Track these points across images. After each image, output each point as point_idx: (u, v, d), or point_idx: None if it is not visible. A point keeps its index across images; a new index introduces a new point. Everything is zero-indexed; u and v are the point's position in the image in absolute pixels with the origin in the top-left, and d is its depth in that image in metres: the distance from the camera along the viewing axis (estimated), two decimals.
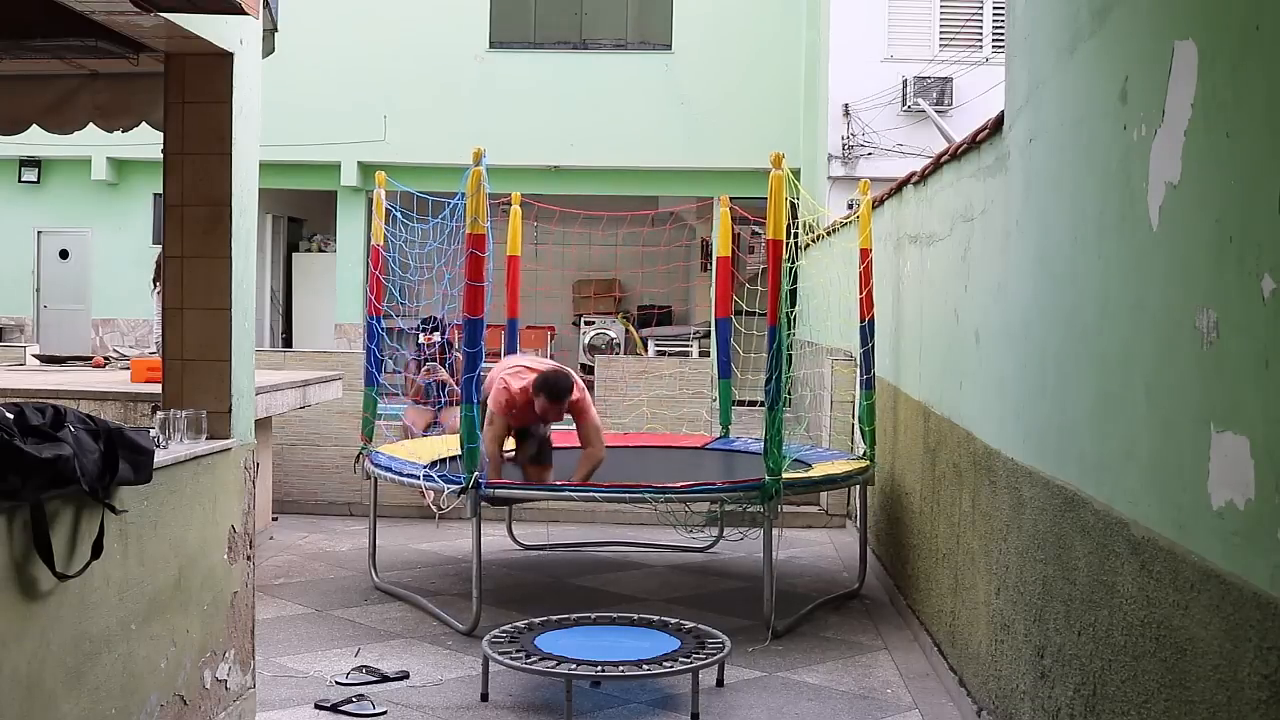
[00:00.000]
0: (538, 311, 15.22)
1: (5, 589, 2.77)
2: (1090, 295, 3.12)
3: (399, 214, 7.23)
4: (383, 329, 7.10)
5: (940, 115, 12.45)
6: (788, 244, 5.95)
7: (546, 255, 13.95)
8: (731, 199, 8.34)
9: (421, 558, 7.45)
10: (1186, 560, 2.40)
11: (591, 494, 6.03)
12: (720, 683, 4.99)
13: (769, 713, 4.73)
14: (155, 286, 9.49)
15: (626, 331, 16.62)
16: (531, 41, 15.61)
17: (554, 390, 6.22)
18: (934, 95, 12.62)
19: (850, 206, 10.75)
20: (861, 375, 6.74)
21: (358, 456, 6.89)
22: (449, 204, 6.73)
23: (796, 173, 13.94)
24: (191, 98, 4.12)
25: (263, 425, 6.66)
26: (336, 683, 4.97)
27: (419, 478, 6.03)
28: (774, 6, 15.22)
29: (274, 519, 8.26)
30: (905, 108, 12.79)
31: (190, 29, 3.79)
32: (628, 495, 5.98)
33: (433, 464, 6.64)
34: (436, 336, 8.99)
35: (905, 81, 12.72)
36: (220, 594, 4.02)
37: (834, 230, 9.65)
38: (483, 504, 5.73)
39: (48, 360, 9.23)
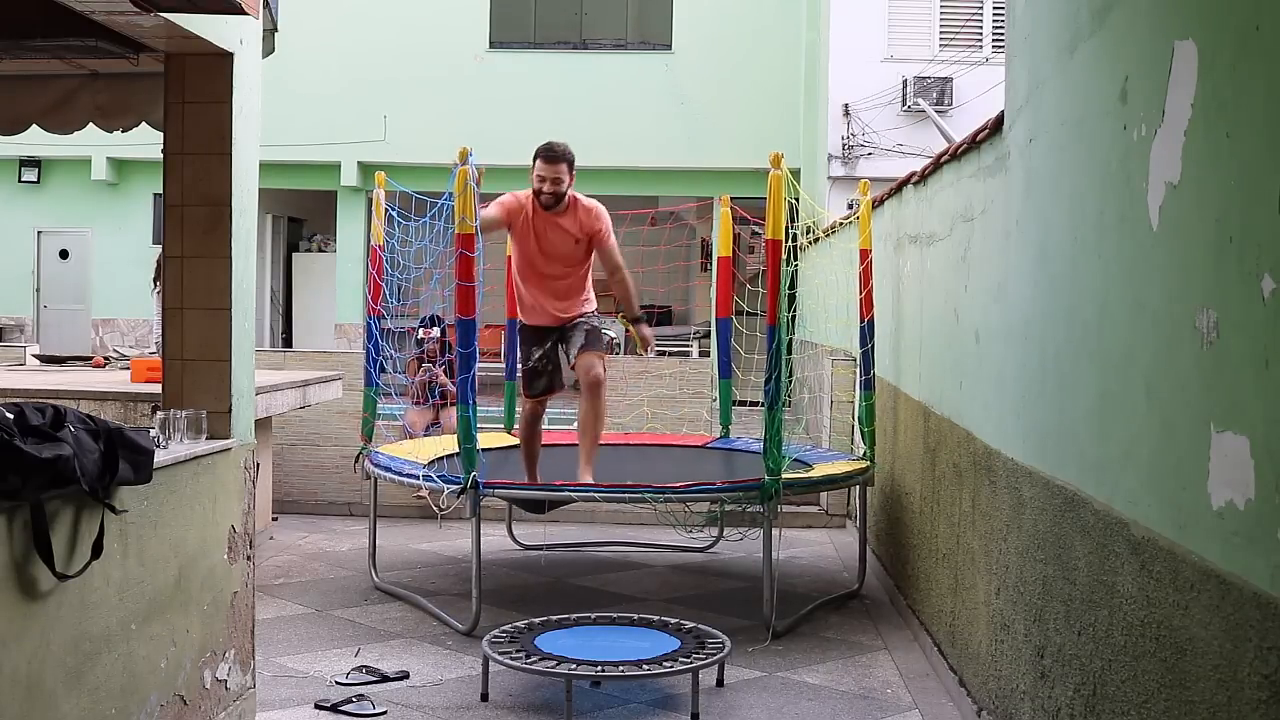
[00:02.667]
0: None
1: (5, 589, 2.77)
2: (1090, 295, 3.12)
3: (397, 214, 7.23)
4: (379, 330, 7.09)
5: (940, 115, 12.46)
6: (786, 245, 5.95)
7: None
8: (731, 199, 8.35)
9: (421, 558, 7.45)
10: (1186, 560, 2.40)
11: (591, 494, 6.03)
12: (720, 683, 4.99)
13: (769, 713, 4.73)
14: (155, 286, 9.50)
15: (626, 331, 16.60)
16: (531, 41, 15.62)
17: (550, 150, 5.98)
18: (934, 95, 12.63)
19: (850, 206, 10.75)
20: (861, 375, 6.74)
21: (357, 456, 6.89)
22: (436, 203, 6.73)
23: (796, 173, 13.94)
24: (191, 98, 4.12)
25: (263, 425, 6.67)
26: (336, 683, 4.97)
27: (419, 478, 6.03)
28: (774, 7, 15.23)
29: (274, 519, 8.26)
30: (905, 108, 12.79)
31: (190, 29, 3.79)
32: (628, 495, 5.97)
33: (431, 463, 6.64)
34: (435, 331, 8.98)
35: (905, 81, 12.73)
36: (220, 594, 4.02)
37: (834, 230, 9.66)
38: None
39: (48, 360, 9.23)
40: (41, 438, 2.87)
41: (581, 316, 6.32)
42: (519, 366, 6.47)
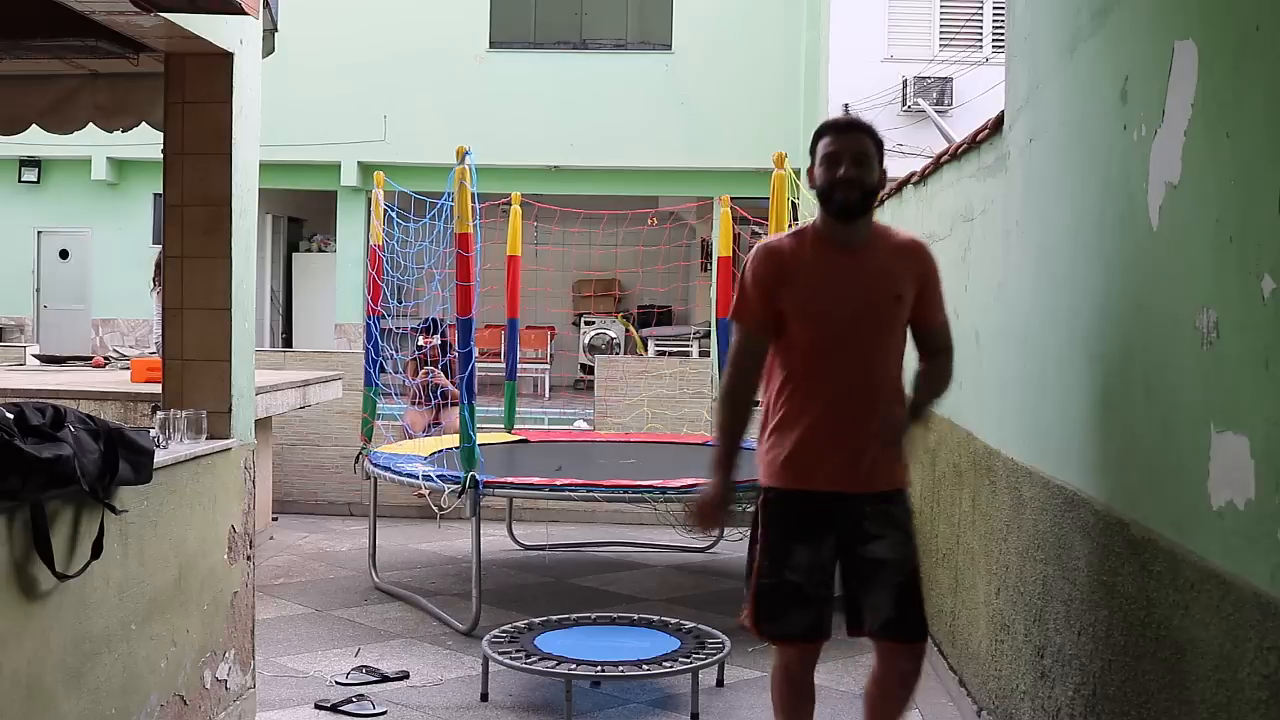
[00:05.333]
0: (538, 311, 15.23)
1: (5, 589, 2.77)
2: (1090, 295, 3.12)
3: (395, 215, 7.23)
4: (378, 330, 7.10)
5: (940, 115, 12.46)
6: None
7: (546, 255, 13.96)
8: (731, 199, 8.35)
9: (421, 558, 7.45)
10: (1186, 560, 2.40)
11: (591, 494, 6.03)
12: (720, 683, 4.99)
13: (769, 713, 4.73)
14: (155, 286, 9.50)
15: (626, 331, 16.63)
16: (531, 41, 15.63)
17: (840, 119, 3.38)
18: (934, 95, 12.62)
19: None
20: None
21: (357, 457, 6.89)
22: (437, 204, 6.73)
23: (796, 173, 13.95)
24: (191, 98, 4.12)
25: (263, 425, 6.66)
26: (336, 683, 4.97)
27: (419, 476, 6.03)
28: (774, 6, 15.23)
29: (274, 519, 8.26)
30: (905, 108, 12.79)
31: (190, 29, 3.80)
32: (628, 495, 5.97)
33: (432, 454, 6.64)
34: (436, 339, 8.99)
35: (905, 81, 12.73)
36: (220, 594, 4.02)
37: None
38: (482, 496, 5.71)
39: (48, 360, 9.23)
40: (41, 438, 2.86)
41: (899, 500, 3.32)
42: (756, 577, 3.38)
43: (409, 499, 8.25)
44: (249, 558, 4.27)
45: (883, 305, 3.22)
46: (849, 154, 3.17)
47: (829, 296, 3.19)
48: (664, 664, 4.62)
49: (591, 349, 16.07)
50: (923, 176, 5.90)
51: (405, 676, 5.07)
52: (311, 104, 14.84)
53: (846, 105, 12.96)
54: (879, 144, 3.22)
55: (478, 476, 5.69)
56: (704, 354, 14.84)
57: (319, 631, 5.79)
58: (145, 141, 5.09)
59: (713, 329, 11.32)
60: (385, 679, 5.01)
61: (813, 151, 3.28)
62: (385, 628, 5.87)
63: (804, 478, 3.23)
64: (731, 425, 3.32)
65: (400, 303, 7.96)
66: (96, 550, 3.07)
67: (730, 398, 3.31)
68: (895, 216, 6.79)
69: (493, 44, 15.54)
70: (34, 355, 9.60)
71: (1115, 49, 2.96)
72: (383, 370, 7.26)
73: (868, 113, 12.83)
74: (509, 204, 8.15)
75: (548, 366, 16.08)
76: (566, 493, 6.01)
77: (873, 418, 3.15)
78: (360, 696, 4.75)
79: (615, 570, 7.24)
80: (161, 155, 4.16)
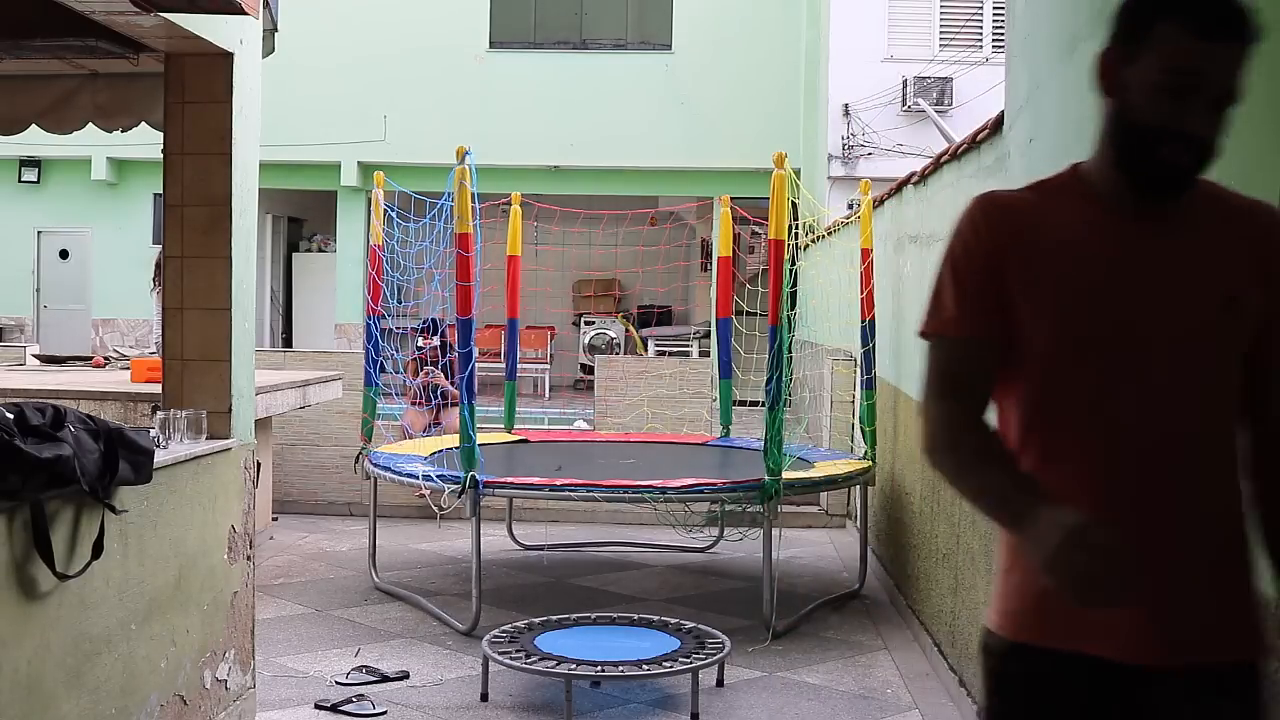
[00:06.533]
0: (538, 311, 15.23)
1: (5, 589, 2.77)
2: None
3: (395, 215, 7.23)
4: (379, 330, 7.10)
5: (940, 115, 12.46)
6: (789, 244, 5.95)
7: (546, 255, 13.96)
8: (731, 199, 8.35)
9: (421, 558, 7.45)
10: None
11: (591, 494, 6.03)
12: (720, 683, 4.99)
13: (769, 713, 4.73)
14: (155, 286, 9.50)
15: (626, 331, 16.63)
16: (531, 41, 15.63)
17: (1207, 11, 1.64)
18: (934, 95, 12.62)
19: (850, 206, 10.76)
20: (862, 375, 6.74)
21: (357, 457, 6.89)
22: (437, 204, 6.73)
23: (796, 173, 13.94)
24: (191, 98, 4.12)
25: (263, 425, 6.66)
26: (336, 683, 4.97)
27: (419, 476, 6.03)
28: (774, 6, 15.23)
29: (274, 519, 8.26)
30: (905, 108, 12.79)
31: (190, 29, 3.80)
32: (628, 495, 5.97)
33: (433, 454, 6.64)
34: (436, 340, 8.99)
35: (905, 81, 12.73)
36: (220, 594, 4.02)
37: (834, 230, 9.66)
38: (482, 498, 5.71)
39: (48, 360, 9.23)
40: (41, 438, 2.87)
41: (1252, 687, 1.71)
42: None
43: (409, 499, 8.25)
44: (249, 558, 4.27)
45: (1205, 315, 1.73)
46: (1217, 84, 1.71)
47: (1112, 298, 1.73)
48: (664, 664, 4.62)
49: (591, 349, 16.07)
50: (923, 176, 5.90)
51: (405, 676, 5.07)
52: (311, 104, 14.84)
53: (847, 106, 12.97)
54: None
55: (478, 476, 5.69)
56: (704, 354, 14.83)
57: (319, 631, 5.79)
58: (145, 141, 5.09)
59: (712, 329, 11.32)
60: (385, 679, 5.01)
61: (1133, 34, 1.72)
62: (385, 628, 5.87)
63: (1067, 629, 1.70)
64: (988, 470, 1.75)
65: (400, 303, 7.96)
66: (96, 550, 3.08)
67: (954, 456, 1.79)
68: (895, 216, 6.79)
69: (493, 44, 15.54)
70: (34, 355, 9.59)
71: None
72: (383, 370, 7.26)
73: (867, 113, 12.84)
74: (509, 204, 8.15)
75: (548, 366, 16.08)
76: (566, 493, 6.01)
77: (1197, 518, 1.71)
78: (360, 696, 4.75)
79: (615, 570, 7.24)
80: (161, 155, 4.16)
